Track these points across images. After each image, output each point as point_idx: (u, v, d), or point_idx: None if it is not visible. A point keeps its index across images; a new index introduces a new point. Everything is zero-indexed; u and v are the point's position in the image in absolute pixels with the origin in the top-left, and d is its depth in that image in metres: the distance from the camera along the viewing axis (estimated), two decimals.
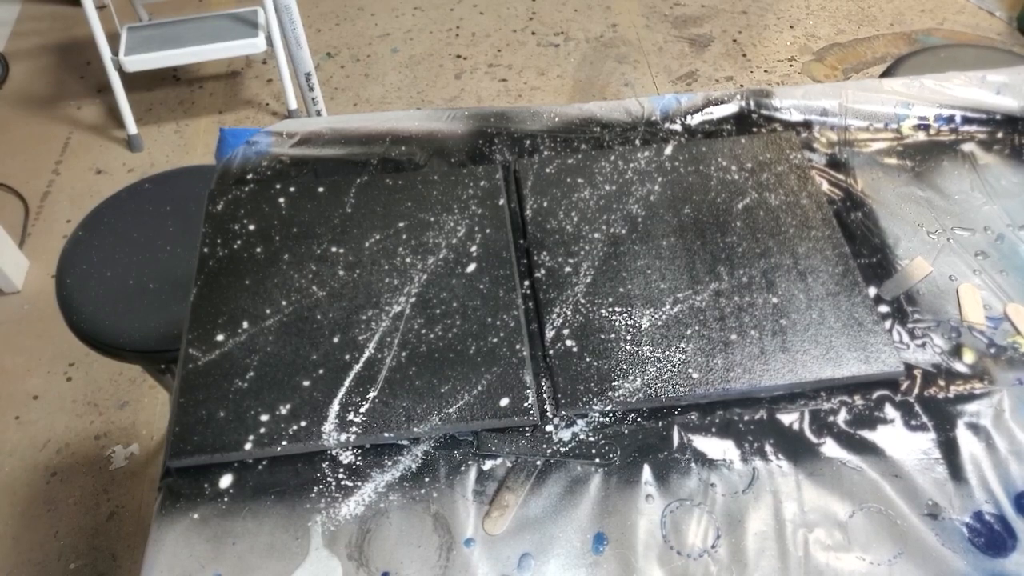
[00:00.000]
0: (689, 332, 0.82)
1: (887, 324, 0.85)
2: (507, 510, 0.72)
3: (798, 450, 0.75)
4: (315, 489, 0.74)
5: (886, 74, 1.42)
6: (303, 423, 0.76)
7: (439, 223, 0.92)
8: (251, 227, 0.93)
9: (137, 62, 2.10)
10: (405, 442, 0.77)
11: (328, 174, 1.02)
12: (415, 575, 0.68)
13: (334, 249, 0.90)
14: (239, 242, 0.91)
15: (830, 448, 0.75)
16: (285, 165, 1.03)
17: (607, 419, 0.78)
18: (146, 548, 0.71)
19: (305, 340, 0.82)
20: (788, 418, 0.78)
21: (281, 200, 0.95)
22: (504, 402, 0.77)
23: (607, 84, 2.44)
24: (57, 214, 2.11)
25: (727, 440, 0.76)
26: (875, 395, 0.79)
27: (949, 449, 0.75)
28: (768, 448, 0.76)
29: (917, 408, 0.78)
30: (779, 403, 0.79)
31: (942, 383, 0.80)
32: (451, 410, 0.77)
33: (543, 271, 0.88)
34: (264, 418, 0.76)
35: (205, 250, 0.91)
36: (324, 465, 0.75)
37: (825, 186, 0.98)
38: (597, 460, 0.75)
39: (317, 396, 0.78)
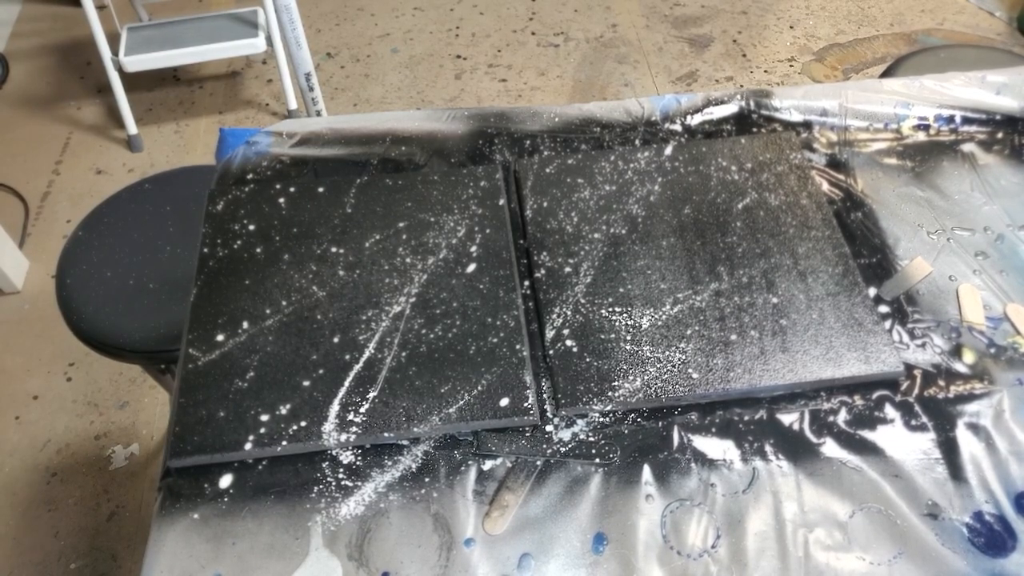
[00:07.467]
0: (689, 332, 0.82)
1: (887, 324, 0.85)
2: (507, 510, 0.72)
3: (798, 450, 0.75)
4: (315, 489, 0.74)
5: (886, 74, 1.42)
6: (303, 423, 0.76)
7: (439, 223, 0.92)
8: (251, 227, 0.93)
9: (137, 62, 2.10)
10: (405, 442, 0.77)
11: (328, 174, 1.02)
12: (415, 575, 0.68)
13: (334, 249, 0.90)
14: (239, 242, 0.91)
15: (830, 448, 0.75)
16: (285, 165, 1.03)
17: (607, 419, 0.78)
18: (146, 548, 0.71)
19: (305, 340, 0.82)
20: (788, 418, 0.78)
21: (281, 200, 0.95)
22: (504, 402, 0.77)
23: (607, 84, 2.44)
24: (57, 214, 2.11)
25: (727, 440, 0.76)
26: (875, 395, 0.79)
27: (949, 449, 0.75)
28: (768, 448, 0.76)
29: (917, 408, 0.78)
30: (779, 403, 0.79)
31: (942, 383, 0.80)
32: (451, 410, 0.77)
33: (543, 271, 0.88)
34: (264, 418, 0.76)
35: (205, 250, 0.91)
36: (324, 465, 0.75)
37: (825, 186, 0.98)
38: (597, 460, 0.75)
39: (317, 396, 0.78)
